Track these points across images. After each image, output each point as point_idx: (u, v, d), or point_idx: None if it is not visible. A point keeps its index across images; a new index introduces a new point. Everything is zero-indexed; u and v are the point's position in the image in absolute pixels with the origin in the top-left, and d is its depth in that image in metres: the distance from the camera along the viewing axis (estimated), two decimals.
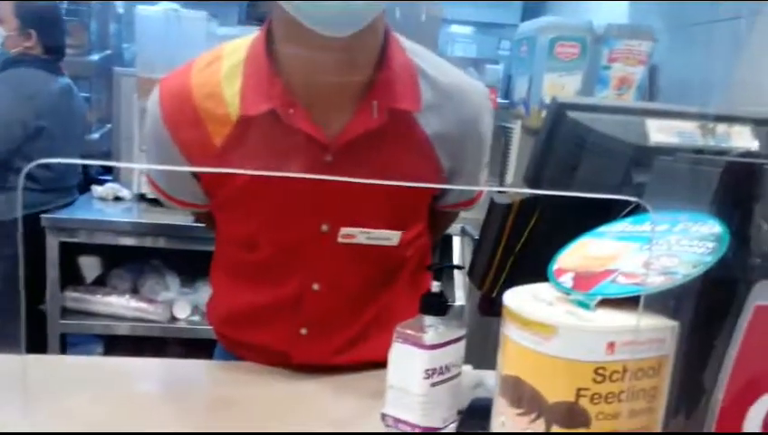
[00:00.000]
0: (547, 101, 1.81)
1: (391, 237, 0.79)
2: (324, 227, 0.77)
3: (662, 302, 0.45)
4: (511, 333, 0.48)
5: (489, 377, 0.79)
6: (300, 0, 0.63)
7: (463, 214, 2.10)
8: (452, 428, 0.68)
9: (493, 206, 0.66)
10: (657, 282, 0.45)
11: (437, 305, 0.67)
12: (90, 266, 2.12)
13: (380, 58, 0.74)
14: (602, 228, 0.55)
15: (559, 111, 0.59)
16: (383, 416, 0.67)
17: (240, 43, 0.77)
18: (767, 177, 0.46)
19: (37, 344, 1.82)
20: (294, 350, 0.84)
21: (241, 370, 0.84)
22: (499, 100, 2.08)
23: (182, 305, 1.92)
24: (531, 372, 0.47)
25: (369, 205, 0.77)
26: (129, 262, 2.03)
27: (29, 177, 1.94)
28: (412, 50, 0.79)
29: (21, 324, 0.45)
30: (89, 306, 1.90)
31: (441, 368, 0.65)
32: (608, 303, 0.47)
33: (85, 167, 2.54)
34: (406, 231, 0.81)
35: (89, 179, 2.24)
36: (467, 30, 3.30)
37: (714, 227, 0.47)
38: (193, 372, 0.85)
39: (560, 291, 0.50)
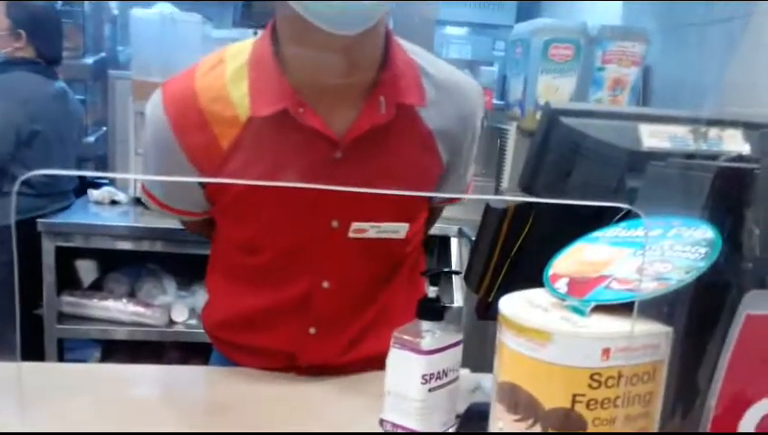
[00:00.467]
0: (542, 102, 1.82)
1: (399, 230, 0.81)
2: (335, 223, 0.78)
3: (656, 307, 0.46)
4: (506, 339, 0.49)
5: (487, 380, 0.80)
6: (310, 0, 0.64)
7: (460, 216, 2.11)
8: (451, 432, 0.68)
9: (488, 210, 0.67)
10: (650, 288, 0.46)
11: (434, 310, 0.67)
12: (86, 271, 2.12)
13: (384, 56, 0.76)
14: (596, 233, 0.55)
15: (552, 116, 0.59)
16: (381, 421, 0.67)
17: (242, 45, 0.78)
18: (758, 181, 0.47)
19: (34, 349, 1.81)
20: (302, 350, 0.84)
21: (238, 375, 0.84)
22: (494, 101, 2.08)
23: (180, 309, 1.91)
24: (527, 378, 0.47)
25: (378, 199, 0.78)
26: (125, 266, 2.03)
27: (24, 182, 1.93)
28: (409, 48, 0.81)
29: (16, 333, 0.45)
30: (86, 311, 1.89)
31: (438, 373, 0.65)
32: (602, 308, 0.48)
33: (81, 170, 2.53)
34: (412, 223, 0.83)
35: (85, 183, 2.24)
36: (462, 31, 3.30)
37: (706, 232, 0.48)
38: (190, 378, 0.85)
39: (555, 297, 0.51)
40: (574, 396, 0.46)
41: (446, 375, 0.66)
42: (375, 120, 0.75)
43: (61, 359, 1.93)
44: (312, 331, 0.84)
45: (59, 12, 2.43)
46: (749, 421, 0.41)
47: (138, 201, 2.07)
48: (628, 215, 0.54)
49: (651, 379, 0.47)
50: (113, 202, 2.08)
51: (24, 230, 1.74)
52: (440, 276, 0.69)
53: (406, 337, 0.65)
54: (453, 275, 1.92)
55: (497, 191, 2.13)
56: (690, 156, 0.55)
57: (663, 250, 0.49)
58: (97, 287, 2.01)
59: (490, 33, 3.24)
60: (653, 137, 0.59)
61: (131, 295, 1.96)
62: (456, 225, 2.02)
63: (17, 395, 0.48)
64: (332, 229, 0.78)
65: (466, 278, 0.74)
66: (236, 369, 0.86)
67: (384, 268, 0.86)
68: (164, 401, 0.78)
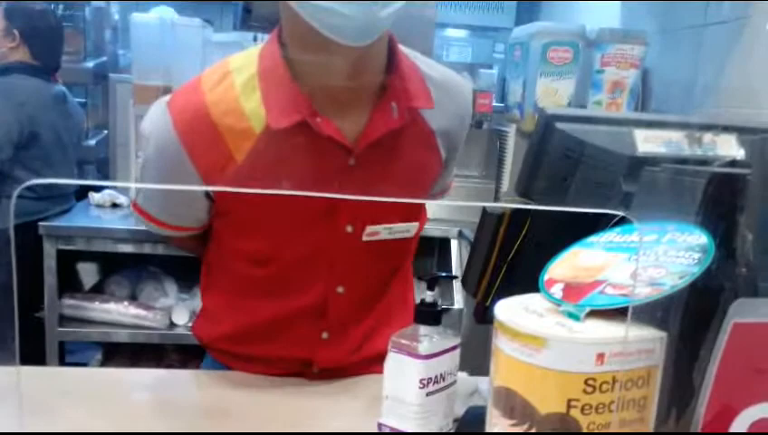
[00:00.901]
0: (541, 105, 1.83)
1: (410, 229, 0.84)
2: (349, 229, 0.79)
3: (650, 312, 0.46)
4: (502, 344, 0.49)
5: (485, 383, 0.79)
6: (321, 13, 0.65)
7: (461, 217, 2.11)
8: None
9: (485, 215, 0.67)
10: (644, 293, 0.46)
11: (432, 315, 0.67)
12: (87, 273, 2.13)
13: (389, 60, 0.78)
14: (592, 238, 0.56)
15: (548, 121, 0.60)
16: (379, 425, 0.68)
17: (246, 56, 0.78)
18: (751, 187, 0.47)
19: (35, 352, 1.82)
20: (317, 355, 0.85)
21: (239, 379, 0.85)
22: (494, 104, 2.09)
23: (180, 312, 1.92)
24: (522, 383, 0.48)
25: (389, 201, 0.80)
26: (127, 269, 2.04)
27: (23, 183, 1.94)
28: (405, 51, 0.82)
29: (15, 337, 0.46)
30: (87, 313, 1.90)
31: (436, 377, 0.66)
32: (597, 314, 0.48)
33: (82, 174, 2.54)
34: (418, 221, 0.85)
35: (86, 186, 2.24)
36: (462, 33, 3.31)
37: (700, 237, 0.48)
38: (190, 381, 0.86)
39: (550, 302, 0.51)
40: (569, 401, 0.46)
41: (443, 379, 0.67)
42: (388, 125, 0.76)
43: (62, 361, 1.94)
44: (324, 335, 0.85)
45: (61, 16, 2.44)
46: (738, 429, 0.42)
47: None
48: (623, 220, 0.54)
49: (646, 384, 0.47)
50: (114, 205, 2.09)
51: (26, 233, 1.74)
52: (437, 281, 0.69)
53: (403, 341, 0.65)
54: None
55: (497, 193, 2.13)
56: (685, 161, 0.56)
57: (657, 255, 0.49)
58: (98, 290, 2.02)
59: (490, 35, 3.25)
60: (648, 142, 0.59)
61: (132, 298, 1.96)
62: (456, 227, 2.02)
63: (17, 400, 0.48)
64: (347, 234, 0.79)
65: (464, 282, 0.74)
66: (237, 373, 0.87)
67: (392, 267, 0.89)
68: (164, 405, 0.78)
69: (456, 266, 1.99)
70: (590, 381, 0.46)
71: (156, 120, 0.76)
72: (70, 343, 2.02)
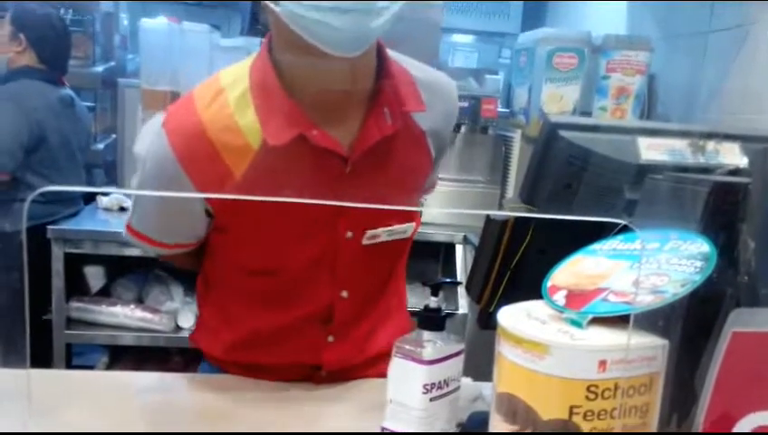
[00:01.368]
0: (546, 111, 1.83)
1: (407, 230, 0.85)
2: (349, 234, 0.80)
3: (652, 320, 0.46)
4: (505, 350, 0.50)
5: (489, 389, 0.80)
6: (312, 25, 0.65)
7: (466, 222, 2.11)
8: None
9: (489, 222, 0.68)
10: (646, 301, 0.46)
11: (436, 321, 0.68)
12: (95, 277, 2.14)
13: (378, 66, 0.78)
14: (595, 246, 0.56)
15: (551, 130, 0.60)
16: (382, 430, 0.68)
17: (236, 71, 0.77)
18: (753, 195, 0.47)
19: (42, 354, 1.83)
20: (325, 359, 0.85)
21: (243, 383, 0.85)
22: (499, 109, 2.09)
23: (186, 315, 1.93)
24: (525, 389, 0.48)
25: (386, 204, 0.79)
26: (133, 272, 2.05)
27: (32, 189, 1.95)
28: (392, 54, 0.82)
29: (26, 341, 0.47)
30: (94, 316, 1.91)
31: (440, 383, 0.66)
32: (599, 321, 0.49)
33: (90, 177, 2.56)
34: (414, 222, 0.86)
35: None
36: (468, 39, 3.32)
37: (702, 245, 0.49)
38: (194, 385, 0.86)
39: (553, 309, 0.52)
40: (571, 407, 0.46)
41: (447, 385, 0.67)
42: (383, 131, 0.77)
43: (68, 364, 1.95)
44: (330, 339, 0.85)
45: (70, 21, 2.46)
46: None
47: None
48: (626, 227, 0.55)
49: (648, 390, 0.47)
50: (122, 209, 2.10)
51: (34, 236, 1.76)
52: (441, 286, 0.70)
53: (407, 347, 0.66)
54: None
55: (502, 199, 2.13)
56: (687, 169, 0.56)
57: (660, 263, 0.50)
58: (105, 293, 2.03)
59: (496, 41, 3.25)
60: (651, 150, 0.60)
61: (139, 301, 1.98)
62: (461, 232, 2.03)
63: (25, 402, 0.49)
64: (348, 240, 0.80)
65: (468, 288, 0.75)
66: (241, 377, 0.87)
67: (390, 267, 0.90)
68: (169, 409, 0.79)
69: (461, 272, 1.99)
70: (593, 388, 0.46)
71: (152, 142, 0.75)
72: (76, 345, 2.03)
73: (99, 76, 2.55)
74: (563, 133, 0.60)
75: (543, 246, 0.64)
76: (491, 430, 0.52)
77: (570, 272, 0.54)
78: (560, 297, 0.52)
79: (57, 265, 1.82)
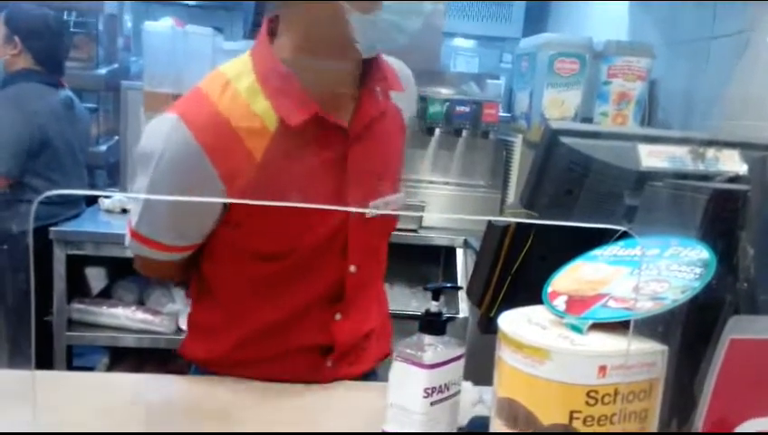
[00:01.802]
0: (547, 116, 1.84)
1: (398, 200, 0.90)
2: (356, 208, 0.85)
3: (652, 326, 0.47)
4: (505, 355, 0.50)
5: (489, 393, 0.80)
6: (380, 24, 0.74)
7: (466, 226, 2.11)
8: None
9: (490, 227, 0.68)
10: (646, 307, 0.47)
11: (437, 325, 0.68)
12: (96, 278, 2.14)
13: None
14: (595, 252, 0.56)
15: (552, 136, 0.61)
16: (383, 433, 0.68)
17: (237, 66, 0.81)
18: (752, 202, 0.48)
19: (43, 356, 1.83)
20: (336, 338, 0.87)
21: (243, 385, 0.86)
22: (501, 114, 2.10)
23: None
24: (525, 394, 0.48)
25: (381, 178, 0.88)
26: (134, 274, 2.05)
27: (36, 191, 1.96)
28: None
29: (31, 342, 0.47)
30: (95, 318, 1.91)
31: (440, 386, 0.66)
32: (600, 326, 0.49)
33: (92, 179, 2.57)
34: (401, 193, 0.92)
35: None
36: (470, 43, 3.33)
37: (702, 252, 0.49)
38: (196, 387, 0.87)
39: (553, 314, 0.52)
40: (571, 413, 0.47)
41: (447, 389, 0.67)
42: (377, 107, 0.84)
43: (69, 365, 1.96)
44: (337, 317, 0.88)
45: (74, 23, 2.47)
46: None
47: None
48: (627, 233, 0.55)
49: (647, 396, 0.48)
50: (124, 211, 2.11)
51: (36, 238, 1.76)
52: (442, 291, 0.70)
53: (408, 351, 0.66)
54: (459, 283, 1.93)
55: (503, 203, 2.14)
56: (687, 176, 0.56)
57: (660, 270, 0.50)
58: (106, 295, 2.04)
59: (497, 45, 3.26)
60: (652, 157, 0.60)
61: (140, 303, 1.98)
62: (462, 236, 2.03)
63: (31, 403, 0.49)
64: (354, 215, 0.84)
65: (469, 293, 0.75)
66: (242, 379, 0.88)
67: (386, 240, 0.94)
68: (169, 410, 0.79)
69: (462, 276, 2.00)
70: (593, 394, 0.46)
71: (169, 136, 0.76)
72: (77, 346, 2.03)
73: (102, 78, 2.56)
74: (564, 139, 0.61)
75: (544, 251, 0.65)
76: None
77: (570, 277, 0.55)
78: (560, 303, 0.52)
79: (59, 267, 1.82)
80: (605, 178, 0.62)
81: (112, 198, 2.14)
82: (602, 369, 0.46)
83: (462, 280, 1.97)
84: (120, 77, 2.50)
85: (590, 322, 0.49)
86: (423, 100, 2.05)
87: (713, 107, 1.64)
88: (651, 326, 0.47)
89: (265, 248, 0.83)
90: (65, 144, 2.08)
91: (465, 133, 2.11)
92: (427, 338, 0.67)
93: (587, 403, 0.46)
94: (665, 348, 0.47)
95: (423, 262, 2.20)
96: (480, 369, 0.87)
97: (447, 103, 2.05)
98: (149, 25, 2.00)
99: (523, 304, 0.55)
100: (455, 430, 0.70)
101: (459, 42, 3.31)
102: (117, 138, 2.43)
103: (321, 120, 0.79)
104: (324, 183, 0.82)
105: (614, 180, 0.62)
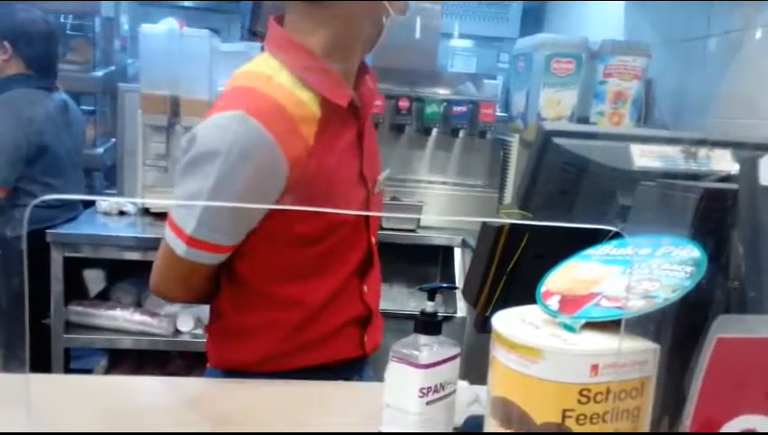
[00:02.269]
0: (543, 115, 1.84)
1: (385, 176, 1.01)
2: (369, 184, 0.94)
3: (643, 324, 0.47)
4: (499, 355, 0.50)
5: (485, 392, 0.81)
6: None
7: (464, 226, 2.12)
8: None
9: (484, 227, 0.68)
10: (638, 306, 0.47)
11: (432, 325, 0.68)
12: (94, 280, 2.14)
13: None
14: (588, 251, 0.57)
15: (545, 137, 0.61)
16: (381, 434, 0.69)
17: (264, 65, 0.86)
18: (742, 202, 0.48)
19: (41, 358, 1.83)
20: (372, 306, 0.96)
21: (242, 385, 0.86)
22: (498, 113, 2.10)
23: (185, 319, 1.93)
24: (518, 393, 0.49)
25: (376, 157, 0.99)
26: (132, 276, 2.06)
27: (33, 195, 1.96)
28: None
29: (26, 345, 0.47)
30: (93, 320, 1.91)
31: (436, 386, 0.67)
32: (592, 325, 0.49)
33: (90, 180, 2.57)
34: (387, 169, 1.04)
35: (93, 194, 2.26)
36: (467, 43, 3.34)
37: (693, 251, 0.49)
38: (195, 388, 0.87)
39: (547, 313, 0.52)
40: (564, 411, 0.47)
41: (443, 388, 0.67)
42: (374, 92, 0.95)
43: (67, 367, 1.96)
44: (365, 289, 0.95)
45: (71, 26, 2.46)
46: None
47: (145, 211, 2.10)
48: (619, 234, 0.55)
49: (639, 394, 0.48)
50: (121, 213, 2.11)
51: (33, 241, 1.76)
52: (437, 291, 0.70)
53: (404, 351, 0.66)
54: (458, 282, 1.93)
55: (500, 203, 2.14)
56: (679, 176, 0.57)
57: (651, 269, 0.50)
58: (104, 297, 2.04)
59: (494, 45, 3.27)
60: (644, 157, 0.60)
61: (138, 305, 1.98)
62: (460, 235, 2.03)
63: (26, 406, 0.49)
64: (370, 190, 0.94)
65: (464, 293, 0.75)
66: (240, 380, 0.88)
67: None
68: (168, 412, 0.80)
69: (460, 275, 2.00)
70: (585, 392, 0.47)
71: (239, 131, 0.77)
72: (75, 349, 2.03)
73: (99, 81, 2.56)
74: (557, 141, 0.61)
75: (539, 250, 0.65)
76: (486, 432, 0.53)
77: (563, 277, 0.55)
78: (553, 302, 0.52)
79: (56, 270, 1.82)
80: (598, 178, 0.62)
81: (109, 201, 2.14)
82: (594, 367, 0.46)
83: (460, 279, 1.98)
84: (117, 79, 2.50)
85: (583, 321, 0.49)
86: (420, 100, 2.05)
87: (709, 105, 1.64)
88: (643, 325, 0.47)
89: (309, 231, 0.87)
90: (62, 148, 2.07)
91: (462, 133, 2.12)
92: (423, 338, 0.68)
93: (579, 402, 0.47)
94: (656, 346, 0.47)
95: (421, 262, 2.20)
96: (478, 368, 0.87)
97: (445, 103, 2.06)
98: (146, 27, 2.00)
99: (519, 303, 0.56)
100: (451, 430, 0.70)
101: (456, 42, 3.32)
102: (114, 140, 2.43)
103: (350, 104, 0.88)
104: (352, 163, 0.90)
105: (607, 180, 0.62)
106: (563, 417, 0.47)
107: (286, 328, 0.90)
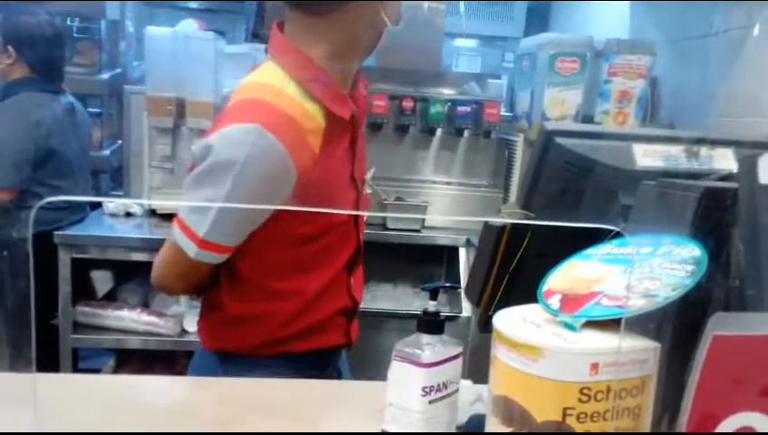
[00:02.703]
0: (548, 115, 1.84)
1: (371, 176, 1.10)
2: (359, 185, 1.00)
3: (643, 323, 0.47)
4: (500, 354, 0.51)
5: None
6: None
7: (469, 226, 2.12)
8: None
9: (487, 227, 0.69)
10: (638, 304, 0.47)
11: (435, 324, 0.69)
12: (101, 281, 2.16)
13: None
14: (589, 250, 0.57)
15: (548, 137, 0.61)
16: (383, 432, 0.69)
17: (267, 75, 0.88)
18: (741, 200, 0.48)
19: (49, 359, 1.85)
20: (357, 297, 1.01)
21: (245, 385, 0.86)
22: (502, 113, 2.10)
23: (192, 319, 1.94)
24: (519, 392, 0.49)
25: (364, 159, 1.05)
26: (139, 276, 2.07)
27: (40, 197, 1.97)
28: None
29: (32, 345, 0.48)
30: (100, 321, 1.93)
31: (439, 385, 0.67)
32: (593, 324, 0.49)
33: (96, 182, 2.59)
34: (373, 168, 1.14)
35: (100, 195, 2.28)
36: (472, 43, 3.33)
37: (693, 250, 0.49)
38: (200, 389, 0.88)
39: (548, 312, 0.53)
40: (565, 410, 0.47)
41: (446, 387, 0.68)
42: (366, 98, 1.00)
43: (75, 367, 1.97)
44: (352, 282, 1.00)
45: (77, 29, 2.48)
46: None
47: (152, 213, 2.11)
48: (619, 233, 0.56)
49: (640, 393, 0.48)
50: (128, 214, 2.12)
51: (41, 242, 1.78)
52: (439, 290, 0.71)
53: (406, 350, 0.67)
54: (462, 283, 1.93)
55: (505, 202, 2.14)
56: (681, 175, 0.57)
57: (652, 267, 0.51)
58: (111, 298, 2.05)
59: (499, 45, 3.26)
60: (646, 156, 0.60)
61: (145, 305, 1.99)
62: (464, 235, 2.03)
63: (33, 406, 0.50)
64: (360, 188, 1.00)
65: (467, 292, 0.76)
66: (244, 379, 0.89)
67: None
68: (174, 412, 0.80)
69: (465, 275, 2.00)
70: (586, 390, 0.47)
71: (255, 144, 0.80)
72: (83, 349, 2.05)
73: (105, 83, 2.58)
74: (560, 140, 0.61)
75: (541, 250, 0.65)
76: (488, 431, 0.53)
77: (565, 276, 0.55)
78: (554, 301, 0.52)
79: (64, 271, 1.84)
80: (600, 177, 0.62)
81: (116, 202, 2.15)
82: (594, 366, 0.46)
83: (465, 279, 1.98)
84: (122, 82, 2.51)
85: (584, 320, 0.49)
86: (424, 100, 2.06)
87: (714, 104, 1.63)
88: (644, 324, 0.47)
89: (309, 231, 0.91)
90: (69, 151, 2.08)
91: (466, 133, 2.12)
92: (425, 337, 0.68)
93: (580, 400, 0.47)
94: (657, 345, 0.47)
95: (426, 262, 2.20)
96: (482, 367, 0.87)
97: (449, 104, 2.06)
98: (152, 30, 2.01)
99: (521, 302, 0.56)
100: (453, 429, 0.70)
101: (461, 41, 3.31)
102: (120, 142, 2.45)
103: (354, 115, 0.92)
104: (347, 168, 0.95)
105: (610, 180, 0.62)
106: (564, 415, 0.47)
107: (281, 318, 0.94)
